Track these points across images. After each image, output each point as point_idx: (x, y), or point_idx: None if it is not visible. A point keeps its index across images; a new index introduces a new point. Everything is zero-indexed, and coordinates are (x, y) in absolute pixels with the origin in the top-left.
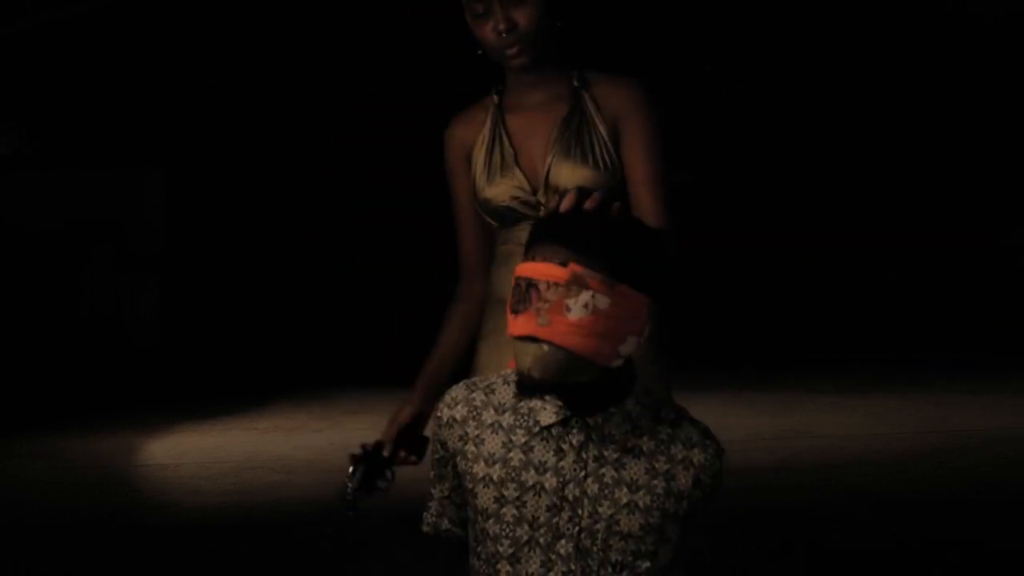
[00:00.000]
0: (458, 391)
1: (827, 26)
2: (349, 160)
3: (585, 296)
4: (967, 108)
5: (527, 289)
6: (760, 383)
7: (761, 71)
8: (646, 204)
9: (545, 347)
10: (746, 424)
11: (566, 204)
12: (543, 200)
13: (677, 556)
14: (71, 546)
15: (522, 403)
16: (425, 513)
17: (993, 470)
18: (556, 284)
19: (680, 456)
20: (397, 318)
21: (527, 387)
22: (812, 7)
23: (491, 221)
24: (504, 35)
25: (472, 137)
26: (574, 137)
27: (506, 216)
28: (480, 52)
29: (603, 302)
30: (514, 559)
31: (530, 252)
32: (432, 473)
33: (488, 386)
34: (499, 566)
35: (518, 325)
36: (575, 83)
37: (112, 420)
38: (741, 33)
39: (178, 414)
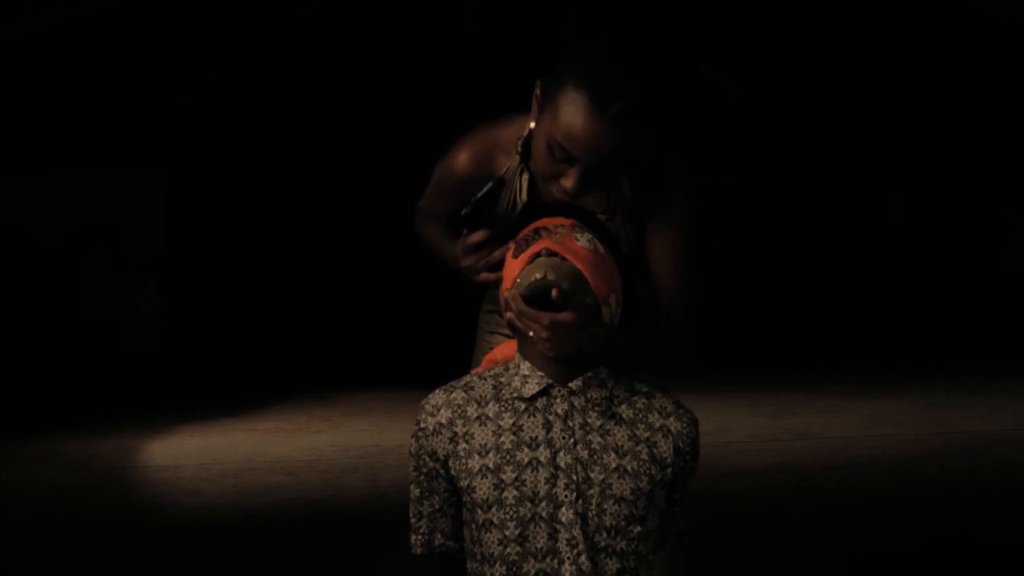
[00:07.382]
0: (436, 398)
1: (838, 27)
2: (348, 162)
3: (589, 235)
4: (978, 103)
5: (535, 233)
6: (761, 384)
7: (764, 73)
8: (670, 293)
9: (558, 259)
10: (747, 425)
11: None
12: None
13: (665, 529)
14: (71, 548)
15: (503, 391)
16: (413, 536)
17: (994, 471)
18: (563, 226)
19: (658, 424)
20: (396, 319)
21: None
22: (825, 7)
23: None
24: (566, 195)
25: (486, 178)
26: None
27: None
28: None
29: (600, 248)
30: (522, 539)
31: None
32: (416, 493)
33: (465, 384)
34: (508, 550)
35: (531, 249)
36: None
37: (112, 422)
38: (749, 35)
39: (178, 416)
